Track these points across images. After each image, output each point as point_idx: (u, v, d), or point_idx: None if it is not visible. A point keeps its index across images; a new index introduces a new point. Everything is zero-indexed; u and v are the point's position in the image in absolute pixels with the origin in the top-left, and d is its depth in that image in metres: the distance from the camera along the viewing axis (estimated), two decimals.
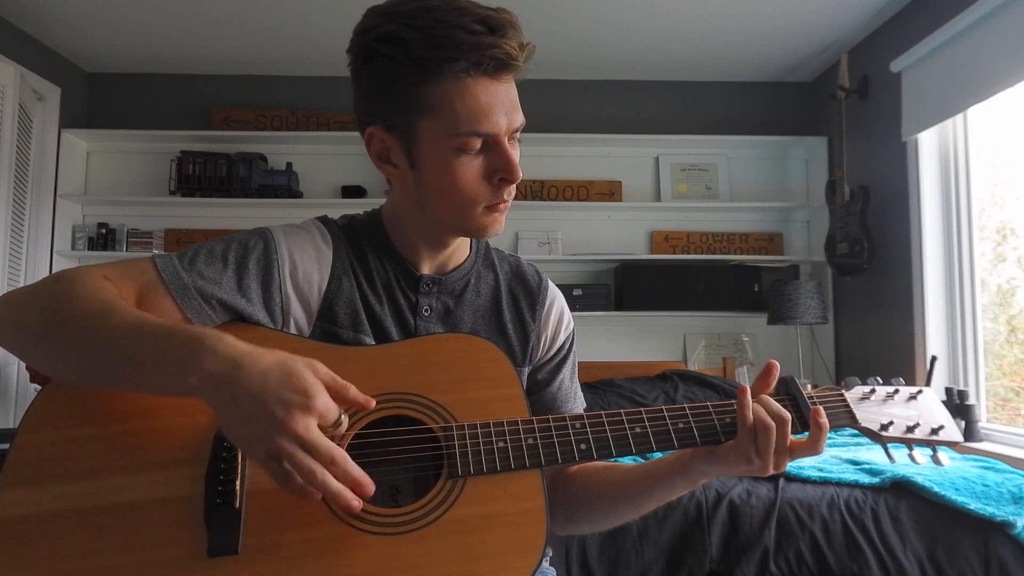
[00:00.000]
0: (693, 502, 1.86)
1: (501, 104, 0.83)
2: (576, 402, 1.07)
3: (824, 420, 0.85)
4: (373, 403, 0.75)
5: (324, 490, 0.68)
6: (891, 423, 0.91)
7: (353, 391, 0.73)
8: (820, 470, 2.02)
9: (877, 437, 0.90)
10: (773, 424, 0.82)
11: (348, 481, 0.68)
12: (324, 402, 0.69)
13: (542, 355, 1.03)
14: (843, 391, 0.93)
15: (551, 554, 1.13)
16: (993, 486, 1.90)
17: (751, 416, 0.83)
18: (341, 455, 0.68)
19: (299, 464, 0.67)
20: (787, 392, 0.90)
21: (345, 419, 0.72)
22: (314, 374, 0.70)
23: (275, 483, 0.69)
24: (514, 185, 0.88)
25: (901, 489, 1.90)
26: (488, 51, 0.80)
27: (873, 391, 0.94)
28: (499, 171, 0.85)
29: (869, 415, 0.91)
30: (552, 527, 1.03)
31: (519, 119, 0.86)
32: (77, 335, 0.73)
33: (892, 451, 0.91)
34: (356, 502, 0.69)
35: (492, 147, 0.85)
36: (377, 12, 0.84)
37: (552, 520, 1.02)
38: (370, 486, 0.70)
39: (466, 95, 0.81)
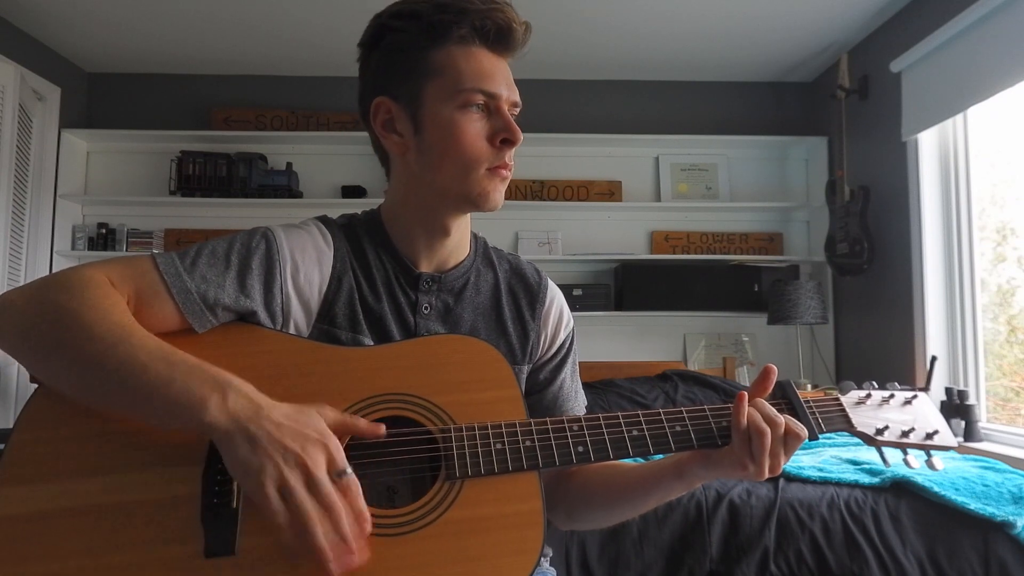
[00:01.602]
0: (693, 502, 1.86)
1: (501, 74, 0.90)
2: (577, 401, 1.07)
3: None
4: (383, 430, 0.77)
5: (311, 539, 0.68)
6: (886, 427, 0.91)
7: (362, 423, 0.77)
8: (820, 470, 2.02)
9: (872, 441, 0.91)
10: (767, 429, 0.83)
11: (336, 535, 0.69)
12: (336, 444, 0.72)
13: (542, 354, 1.03)
14: (839, 395, 0.94)
15: (551, 554, 1.13)
16: (993, 486, 1.90)
17: (745, 421, 0.83)
18: (339, 507, 0.70)
19: (298, 503, 0.68)
20: (784, 396, 0.91)
21: (352, 476, 0.72)
22: (323, 418, 0.74)
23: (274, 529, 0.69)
24: (516, 146, 0.91)
25: (901, 489, 1.90)
26: (490, 15, 0.87)
27: (869, 395, 0.95)
28: (501, 132, 0.89)
29: (865, 419, 0.92)
30: (553, 522, 1.03)
31: (517, 95, 0.92)
32: (90, 356, 0.72)
33: (887, 454, 0.92)
34: (333, 567, 0.69)
35: (494, 111, 0.90)
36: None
37: (553, 515, 1.02)
38: (355, 556, 0.70)
39: (470, 58, 0.88)
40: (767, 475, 0.83)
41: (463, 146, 0.88)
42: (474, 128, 0.88)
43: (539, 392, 1.04)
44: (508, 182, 0.93)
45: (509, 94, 0.90)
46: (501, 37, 0.89)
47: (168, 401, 0.71)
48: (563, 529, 1.08)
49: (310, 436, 0.71)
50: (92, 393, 0.74)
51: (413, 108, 0.89)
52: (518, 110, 0.92)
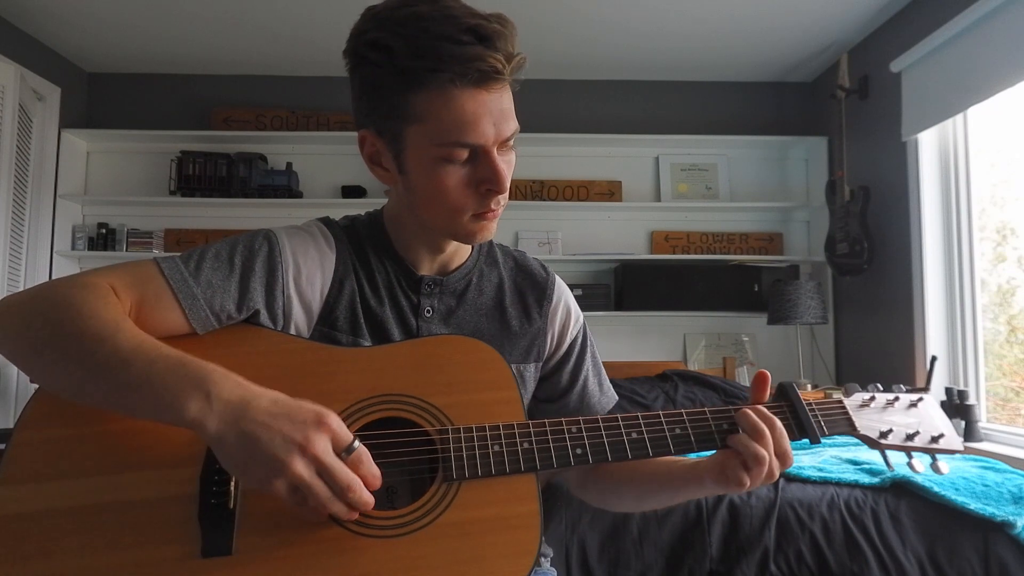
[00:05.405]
0: (693, 502, 1.86)
1: (489, 114, 0.81)
2: (605, 397, 1.06)
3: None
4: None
5: (334, 516, 0.71)
6: (890, 431, 0.90)
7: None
8: (820, 470, 2.01)
9: (875, 444, 0.90)
10: (765, 455, 0.82)
11: (360, 507, 0.71)
12: (337, 421, 0.70)
13: (551, 352, 1.03)
14: (843, 398, 0.93)
15: (551, 554, 1.12)
16: (993, 486, 1.90)
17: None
18: (357, 482, 0.69)
19: (315, 494, 0.68)
20: (786, 399, 0.90)
21: (360, 447, 0.71)
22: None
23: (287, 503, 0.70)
24: (504, 194, 0.87)
25: (901, 489, 1.90)
26: (472, 63, 0.78)
27: (873, 398, 0.93)
28: (485, 181, 0.84)
29: (868, 422, 0.91)
30: (585, 500, 1.04)
31: (509, 128, 0.84)
32: (78, 351, 0.72)
33: (890, 458, 0.91)
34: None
35: (479, 157, 0.83)
36: (370, 16, 0.83)
37: (585, 495, 1.03)
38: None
39: (452, 105, 0.79)
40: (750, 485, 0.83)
41: (445, 197, 0.84)
42: (456, 178, 0.83)
43: (564, 396, 1.03)
44: (499, 217, 0.90)
45: (498, 133, 0.82)
46: (486, 79, 0.79)
47: (148, 399, 0.70)
48: (594, 506, 1.07)
49: (308, 419, 0.68)
50: (82, 392, 0.73)
51: (396, 149, 0.86)
52: (513, 139, 0.86)
